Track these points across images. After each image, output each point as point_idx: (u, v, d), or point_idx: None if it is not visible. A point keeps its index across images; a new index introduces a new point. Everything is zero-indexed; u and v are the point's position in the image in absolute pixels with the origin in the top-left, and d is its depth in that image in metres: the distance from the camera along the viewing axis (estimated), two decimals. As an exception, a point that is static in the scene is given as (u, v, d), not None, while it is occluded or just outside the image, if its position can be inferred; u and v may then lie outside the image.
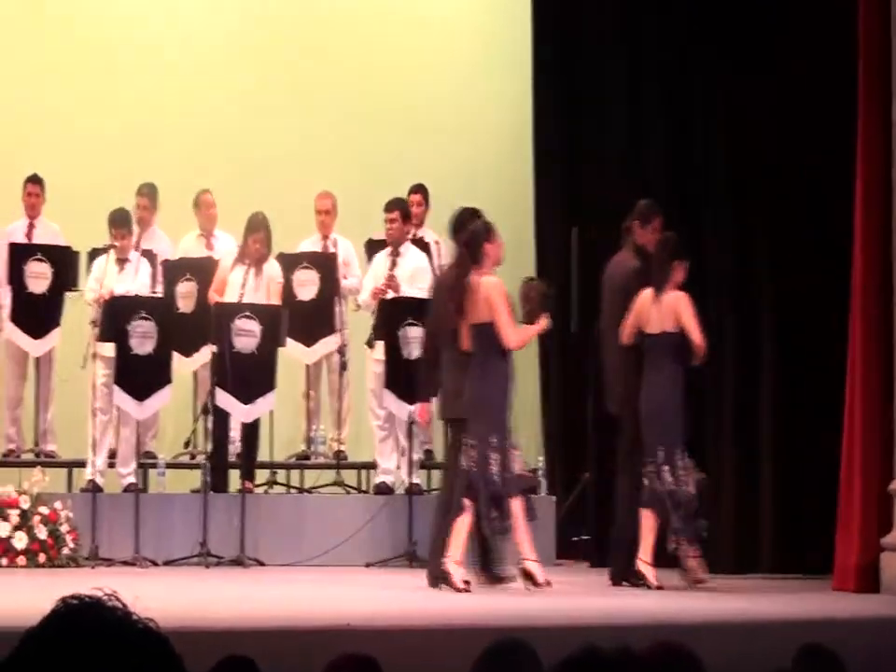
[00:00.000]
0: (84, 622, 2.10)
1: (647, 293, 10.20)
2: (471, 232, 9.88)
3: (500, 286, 9.72)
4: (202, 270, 12.12)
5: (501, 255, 9.92)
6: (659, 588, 9.95)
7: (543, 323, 9.89)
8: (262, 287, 11.99)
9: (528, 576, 9.68)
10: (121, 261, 11.92)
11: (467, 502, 9.57)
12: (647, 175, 12.25)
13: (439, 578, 9.68)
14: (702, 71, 12.08)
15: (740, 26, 11.74)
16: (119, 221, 11.94)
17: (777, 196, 11.41)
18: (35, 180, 12.51)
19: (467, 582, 9.58)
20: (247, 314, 11.58)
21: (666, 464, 10.03)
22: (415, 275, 11.94)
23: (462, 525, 9.59)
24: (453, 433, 10.14)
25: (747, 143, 11.71)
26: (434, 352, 10.18)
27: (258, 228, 11.97)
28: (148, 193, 12.48)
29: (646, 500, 10.08)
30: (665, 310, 10.13)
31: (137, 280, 11.92)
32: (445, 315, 9.87)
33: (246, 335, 11.48)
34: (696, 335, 10.04)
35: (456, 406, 9.88)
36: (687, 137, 12.18)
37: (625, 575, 10.18)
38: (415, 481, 11.76)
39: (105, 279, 11.85)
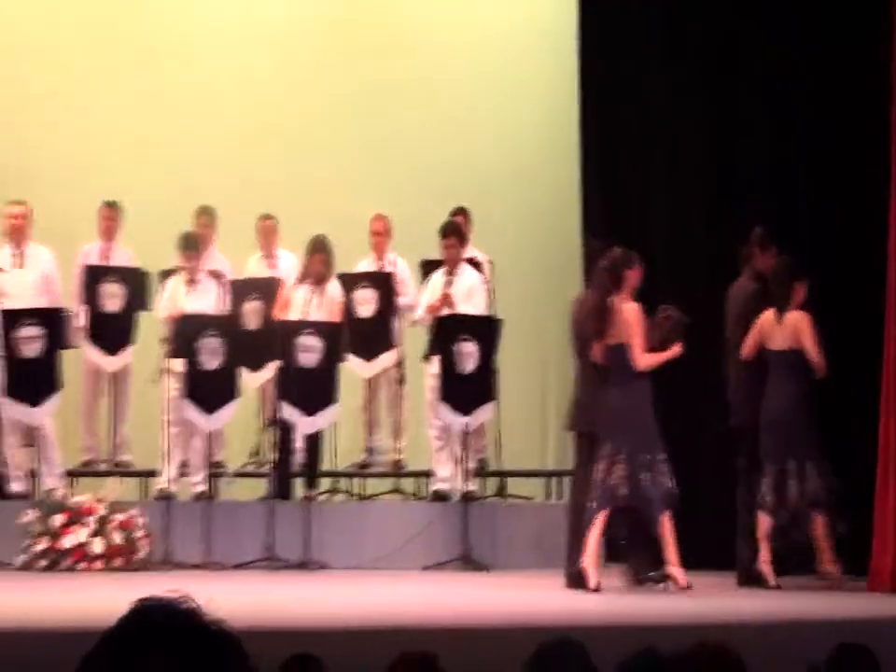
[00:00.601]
0: (159, 622, 2.09)
1: (769, 313, 10.36)
2: (613, 259, 10.08)
3: (638, 310, 9.96)
4: (267, 289, 12.14)
5: (639, 280, 10.07)
6: (777, 588, 10.11)
7: (676, 350, 10.01)
8: (324, 305, 12.01)
9: (670, 578, 9.89)
10: (191, 282, 11.97)
11: (602, 511, 9.81)
12: (686, 187, 12.15)
13: (575, 579, 9.88)
14: (746, 80, 11.99)
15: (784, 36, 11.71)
16: (189, 244, 12.01)
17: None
18: (111, 205, 12.58)
19: (599, 583, 9.76)
20: (310, 331, 11.59)
21: (784, 473, 10.25)
22: (470, 293, 11.93)
23: (596, 532, 9.84)
24: (585, 445, 10.26)
25: (791, 167, 11.64)
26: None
27: (320, 249, 12.00)
28: (207, 216, 12.52)
29: (761, 506, 10.26)
30: (788, 329, 10.29)
31: (206, 299, 11.95)
32: (583, 334, 10.14)
33: (309, 351, 11.49)
34: (814, 354, 10.18)
35: (590, 419, 10.06)
36: (729, 150, 12.07)
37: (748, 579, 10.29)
38: (470, 488, 11.75)
39: (175, 299, 11.91)
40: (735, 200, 11.85)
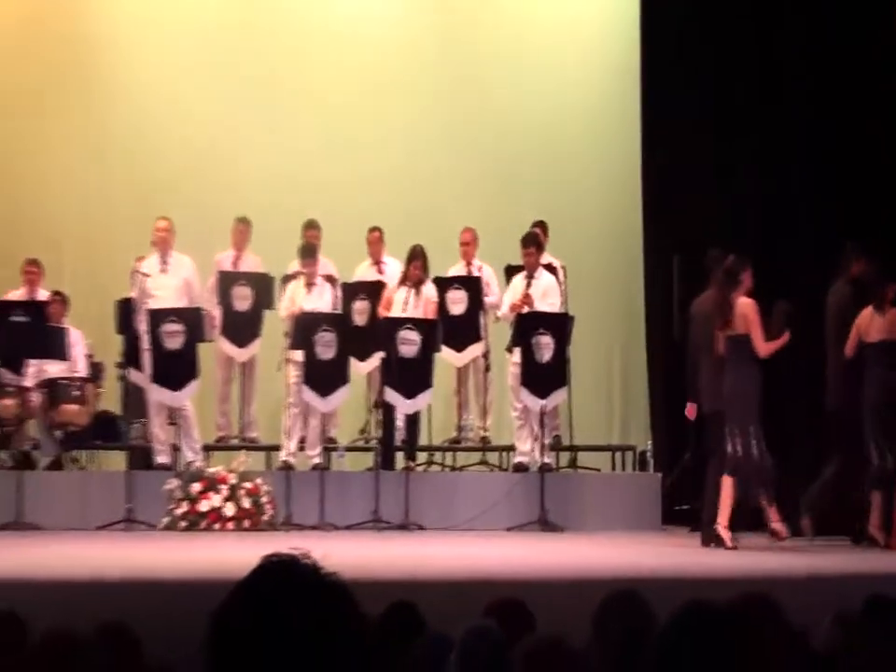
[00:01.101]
0: (284, 574, 2.10)
1: (867, 311, 10.38)
2: (731, 263, 10.12)
3: (755, 305, 10.01)
4: (373, 291, 12.16)
5: (752, 280, 10.10)
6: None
7: (785, 338, 10.01)
8: (421, 304, 12.03)
9: (775, 534, 10.07)
10: (309, 285, 12.01)
11: (732, 479, 9.89)
12: (737, 209, 12.05)
13: (712, 539, 9.99)
14: (799, 116, 11.84)
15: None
16: (307, 253, 12.05)
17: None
18: (242, 220, 12.67)
19: (734, 542, 9.90)
20: (410, 326, 11.60)
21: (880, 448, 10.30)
22: (546, 294, 11.91)
23: (728, 498, 9.90)
24: (714, 423, 10.30)
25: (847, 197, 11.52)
26: (696, 360, 10.52)
27: (417, 256, 12.04)
28: (315, 228, 12.57)
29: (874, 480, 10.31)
30: (887, 323, 10.30)
31: (322, 300, 12.00)
32: (707, 329, 10.23)
33: (409, 343, 11.51)
34: None
35: (716, 402, 10.13)
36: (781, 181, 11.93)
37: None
38: (546, 461, 11.73)
39: (295, 299, 11.97)
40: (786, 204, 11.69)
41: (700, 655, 2.82)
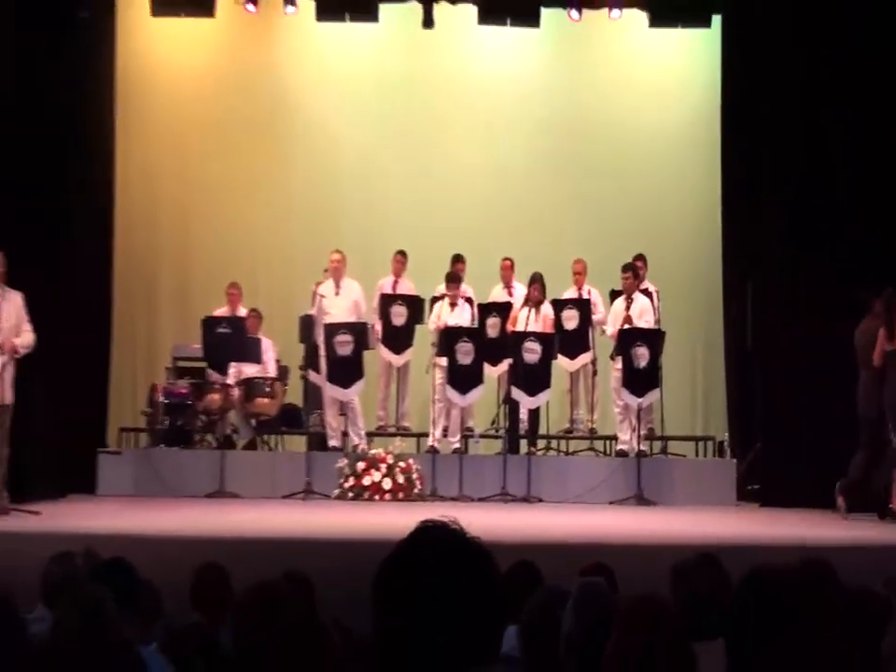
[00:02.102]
0: (438, 535, 2.11)
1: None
2: (886, 297, 10.05)
3: None
4: (503, 310, 12.13)
5: None
6: None
7: None
8: (540, 320, 12.02)
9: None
10: (452, 305, 12.06)
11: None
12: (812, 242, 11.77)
13: (887, 515, 9.90)
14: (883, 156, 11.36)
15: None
16: (452, 279, 12.08)
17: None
18: (401, 252, 12.75)
19: None
20: (532, 338, 11.60)
21: None
22: (642, 313, 11.85)
23: None
24: (869, 425, 10.17)
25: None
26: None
27: (536, 281, 12.04)
28: (462, 260, 12.53)
29: None
30: None
31: (462, 317, 12.02)
32: (867, 348, 10.11)
33: (531, 352, 11.49)
34: None
35: (872, 407, 10.06)
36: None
37: None
38: (642, 448, 11.64)
39: (441, 316, 12.02)
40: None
41: (765, 612, 2.81)
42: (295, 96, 14.01)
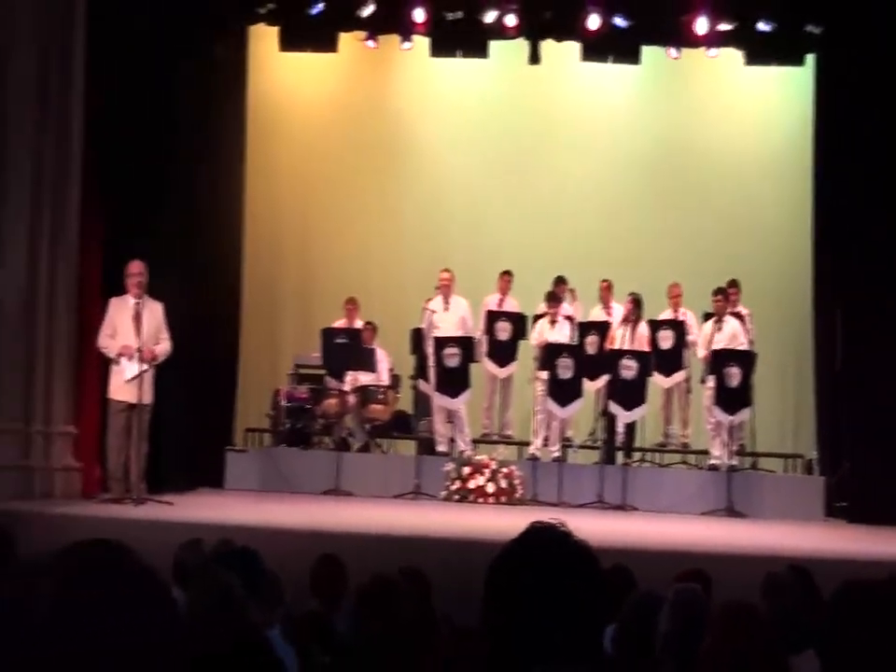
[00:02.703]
0: (547, 536, 2.08)
1: None
2: None
3: None
4: (601, 328, 12.06)
5: None
6: None
7: None
8: (637, 339, 11.91)
9: None
10: (553, 322, 12.03)
11: None
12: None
13: None
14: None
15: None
16: (553, 299, 12.04)
17: None
18: (507, 273, 12.72)
19: None
20: (629, 356, 11.52)
21: None
22: (734, 336, 11.68)
23: None
24: None
25: None
26: None
27: (633, 303, 11.92)
28: (564, 281, 12.48)
29: None
30: None
31: (561, 333, 11.97)
32: None
33: (628, 369, 11.40)
34: None
35: None
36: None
37: None
38: (734, 463, 11.48)
39: (542, 332, 11.98)
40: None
41: (859, 625, 2.74)
42: (408, 126, 14.13)
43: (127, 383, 9.47)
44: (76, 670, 1.32)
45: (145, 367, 9.49)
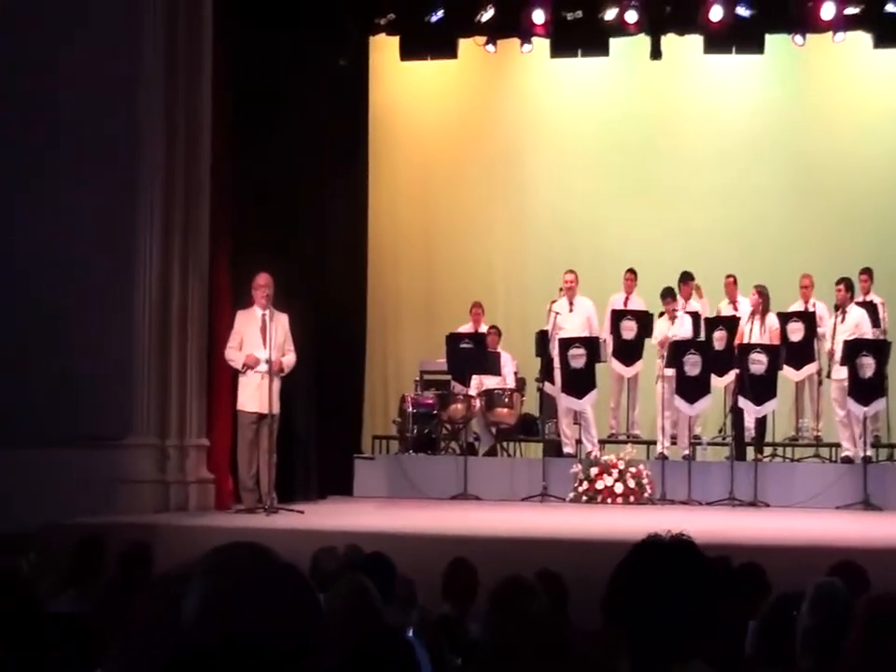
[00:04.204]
0: (664, 548, 2.10)
1: None
2: None
3: None
4: (729, 324, 11.87)
5: None
6: None
7: None
8: (766, 332, 11.71)
9: None
10: (671, 318, 11.90)
11: None
12: None
13: None
14: None
15: None
16: (667, 294, 11.91)
17: None
18: (631, 271, 12.55)
19: None
20: (758, 350, 11.31)
21: None
22: (859, 325, 11.40)
23: None
24: None
25: None
26: None
27: (760, 295, 11.74)
28: (691, 278, 12.34)
29: None
30: None
31: (682, 328, 11.83)
32: None
33: (758, 363, 11.21)
34: None
35: None
36: None
37: None
38: (868, 454, 11.19)
39: (662, 330, 11.86)
40: None
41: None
42: (530, 129, 14.12)
43: (257, 372, 9.59)
44: (225, 668, 1.35)
45: (272, 374, 9.66)
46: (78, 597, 5.24)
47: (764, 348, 11.29)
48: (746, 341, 11.56)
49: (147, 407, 9.69)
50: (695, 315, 11.99)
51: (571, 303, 12.04)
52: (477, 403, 12.17)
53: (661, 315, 12.04)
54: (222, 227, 10.48)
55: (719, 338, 11.63)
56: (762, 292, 11.76)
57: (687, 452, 11.59)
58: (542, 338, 11.82)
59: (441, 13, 12.19)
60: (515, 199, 14.11)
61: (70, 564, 5.56)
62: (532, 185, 14.08)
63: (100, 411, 9.47)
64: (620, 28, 12.17)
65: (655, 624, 2.04)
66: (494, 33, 12.60)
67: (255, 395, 9.76)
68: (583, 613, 4.76)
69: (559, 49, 12.68)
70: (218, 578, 1.43)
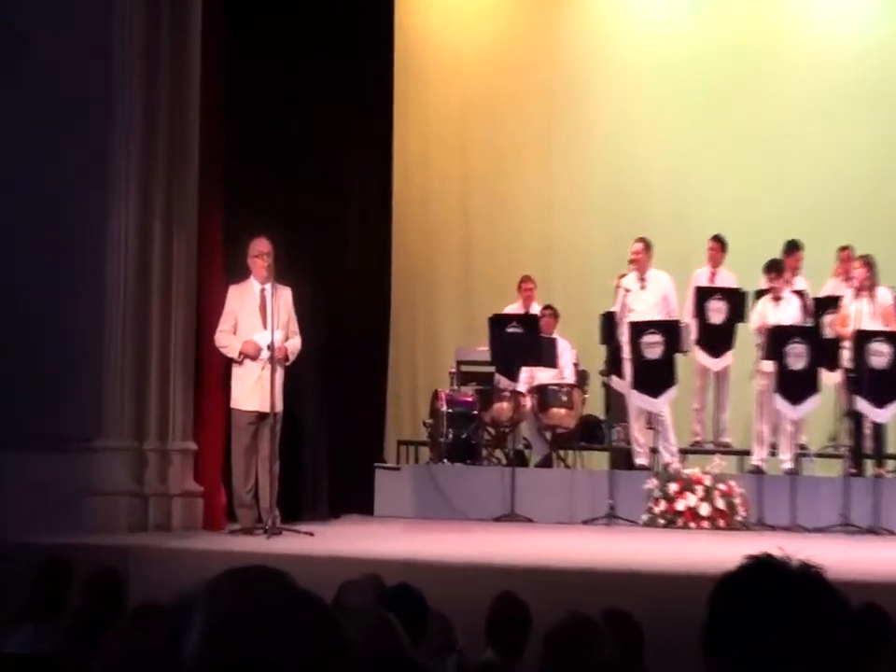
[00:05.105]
0: (770, 572, 2.07)
1: None
2: None
3: None
4: (837, 307, 11.85)
5: None
6: None
7: None
8: (877, 313, 11.63)
9: None
10: (776, 298, 11.85)
11: None
12: None
13: None
14: None
15: None
16: (773, 268, 11.85)
17: None
18: (717, 238, 12.58)
19: None
20: (880, 339, 11.26)
21: None
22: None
23: None
24: None
25: None
26: None
27: (866, 264, 11.64)
28: (798, 248, 12.32)
29: None
30: None
31: (786, 313, 11.78)
32: None
33: (879, 356, 11.15)
34: None
35: None
36: None
37: None
38: None
39: (764, 313, 11.82)
40: None
41: None
42: (592, 61, 14.18)
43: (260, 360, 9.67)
44: None
45: (275, 363, 9.72)
46: (38, 634, 5.30)
47: (888, 336, 11.22)
48: (855, 326, 11.41)
49: (121, 402, 9.75)
50: (802, 296, 11.93)
51: (643, 278, 12.01)
52: (527, 402, 12.19)
53: (759, 294, 11.99)
54: (214, 181, 10.53)
55: (830, 323, 11.63)
56: (869, 263, 11.70)
57: (790, 465, 11.57)
58: (609, 321, 11.81)
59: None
60: (574, 148, 14.14)
61: (28, 594, 5.63)
62: (595, 131, 14.12)
63: (62, 405, 9.57)
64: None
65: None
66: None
67: (254, 389, 9.81)
68: (661, 661, 4.79)
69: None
70: (226, 606, 1.46)
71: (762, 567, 2.11)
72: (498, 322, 11.96)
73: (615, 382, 11.85)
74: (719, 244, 12.59)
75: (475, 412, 12.35)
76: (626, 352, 11.65)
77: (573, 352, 12.72)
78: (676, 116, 13.92)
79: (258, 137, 10.91)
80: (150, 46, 9.96)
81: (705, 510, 11.04)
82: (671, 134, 13.91)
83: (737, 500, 11.11)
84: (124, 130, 9.85)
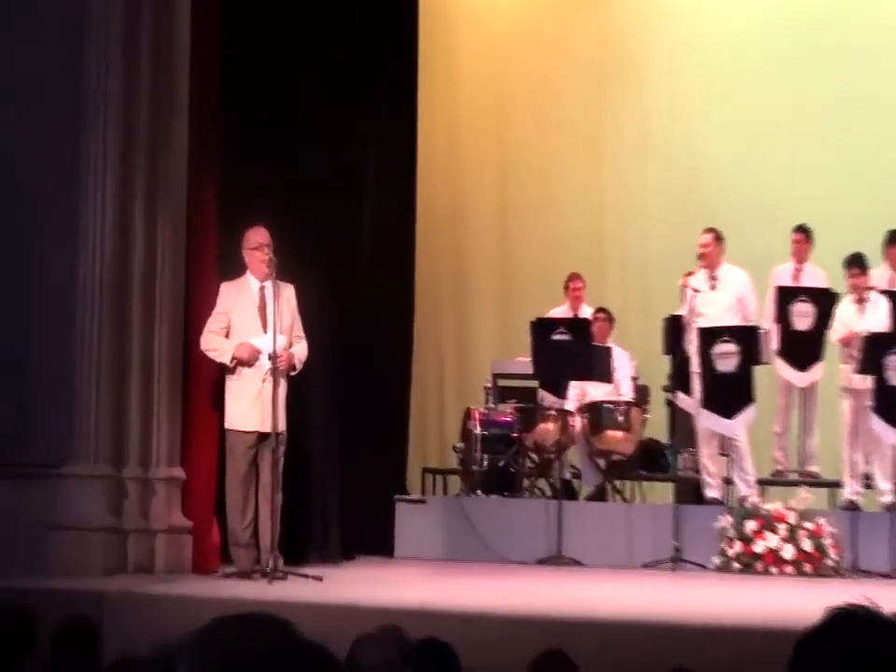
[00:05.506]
0: (860, 626, 2.10)
1: None
2: None
3: None
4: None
5: None
6: None
7: None
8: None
9: None
10: (859, 300, 11.76)
11: None
12: None
13: None
14: None
15: None
16: (854, 263, 11.70)
17: None
18: (803, 229, 12.59)
19: None
20: None
21: None
22: None
23: None
24: None
25: None
26: None
27: None
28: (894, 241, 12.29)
29: None
30: None
31: (874, 317, 11.71)
32: None
33: None
34: None
35: None
36: None
37: None
38: None
39: (846, 319, 11.75)
40: None
41: None
42: (653, 23, 14.39)
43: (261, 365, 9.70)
44: None
45: (279, 373, 9.72)
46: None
47: None
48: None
49: (95, 421, 9.76)
50: (892, 295, 11.87)
51: (713, 276, 12.01)
52: (577, 423, 12.19)
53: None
54: (206, 159, 10.54)
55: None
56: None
57: (890, 499, 11.51)
58: (674, 326, 11.81)
59: None
60: (631, 125, 14.31)
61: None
62: (655, 106, 14.29)
63: (24, 424, 9.59)
64: None
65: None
66: None
67: (252, 406, 9.83)
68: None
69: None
70: (217, 659, 1.41)
71: (849, 619, 2.13)
72: (542, 328, 11.96)
73: (681, 399, 11.84)
74: (804, 235, 12.58)
75: (514, 434, 12.38)
76: (695, 364, 11.64)
77: (631, 364, 12.75)
78: (750, 93, 14.02)
79: (256, 110, 10.91)
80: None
81: (789, 552, 11.03)
82: (742, 114, 14.07)
83: (827, 541, 11.09)
84: (99, 101, 9.86)
